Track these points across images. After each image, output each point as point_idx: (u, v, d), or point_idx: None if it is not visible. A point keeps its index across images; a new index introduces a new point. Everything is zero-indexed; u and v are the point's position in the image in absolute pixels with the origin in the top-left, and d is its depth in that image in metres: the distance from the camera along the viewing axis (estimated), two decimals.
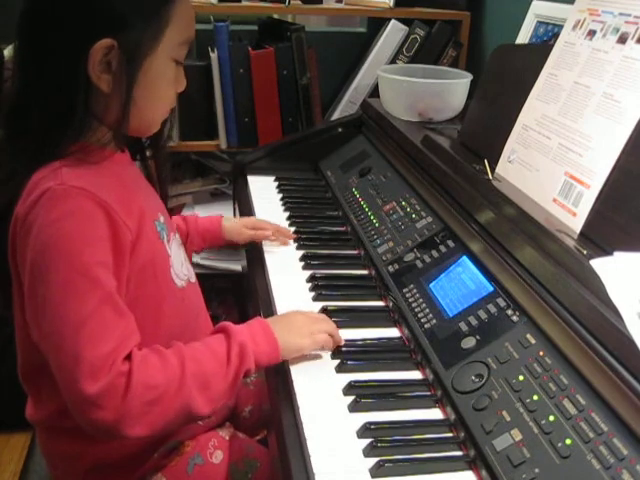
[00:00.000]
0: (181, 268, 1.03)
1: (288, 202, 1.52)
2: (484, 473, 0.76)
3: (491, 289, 0.97)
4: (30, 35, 0.87)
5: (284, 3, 1.91)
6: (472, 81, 1.53)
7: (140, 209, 0.91)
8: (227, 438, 1.05)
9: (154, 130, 0.97)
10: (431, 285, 1.07)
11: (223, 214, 1.37)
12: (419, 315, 1.03)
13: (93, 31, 0.83)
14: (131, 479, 1.00)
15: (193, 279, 1.08)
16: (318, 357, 0.98)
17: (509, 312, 0.91)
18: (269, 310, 1.10)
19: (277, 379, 0.94)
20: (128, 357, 0.82)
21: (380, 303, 1.14)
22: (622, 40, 0.96)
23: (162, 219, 1.00)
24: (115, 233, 0.85)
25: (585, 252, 0.86)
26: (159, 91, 0.92)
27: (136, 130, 0.95)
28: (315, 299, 1.13)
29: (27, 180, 0.86)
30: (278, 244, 1.32)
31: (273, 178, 1.66)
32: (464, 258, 1.06)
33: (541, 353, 0.82)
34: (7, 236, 0.87)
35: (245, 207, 1.51)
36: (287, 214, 1.46)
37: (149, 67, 0.88)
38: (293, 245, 1.33)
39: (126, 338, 0.83)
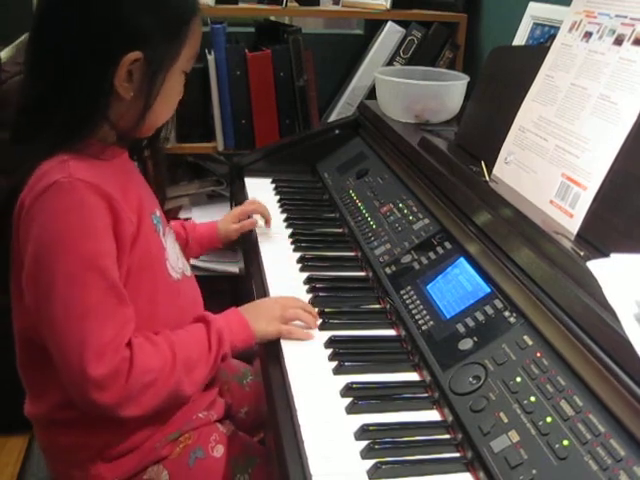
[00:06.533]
0: (177, 261, 1.06)
1: (285, 204, 1.52)
2: (482, 475, 0.76)
3: (488, 291, 0.97)
4: (63, 38, 0.90)
5: (281, 5, 1.91)
6: (469, 83, 1.53)
7: (140, 202, 0.96)
8: (227, 434, 1.07)
9: (152, 132, 1.02)
10: (428, 287, 1.07)
11: (220, 216, 1.38)
12: (416, 317, 1.03)
13: (124, 44, 0.89)
14: (132, 471, 1.00)
15: (188, 272, 1.12)
16: (316, 358, 0.98)
17: (506, 314, 0.91)
18: None
19: (274, 381, 0.94)
20: (128, 343, 0.89)
21: (377, 305, 1.14)
22: (618, 42, 0.97)
23: (158, 213, 1.05)
24: (117, 224, 0.89)
25: (582, 254, 0.86)
26: (171, 100, 0.99)
27: (141, 132, 0.99)
28: (312, 301, 1.13)
29: (33, 170, 0.89)
30: (268, 228, 1.39)
31: (270, 180, 1.66)
32: (461, 260, 1.06)
33: (538, 354, 0.82)
34: (11, 223, 0.91)
35: None
36: (284, 216, 1.46)
37: (167, 80, 0.94)
38: (290, 247, 1.33)
39: (127, 324, 0.89)
